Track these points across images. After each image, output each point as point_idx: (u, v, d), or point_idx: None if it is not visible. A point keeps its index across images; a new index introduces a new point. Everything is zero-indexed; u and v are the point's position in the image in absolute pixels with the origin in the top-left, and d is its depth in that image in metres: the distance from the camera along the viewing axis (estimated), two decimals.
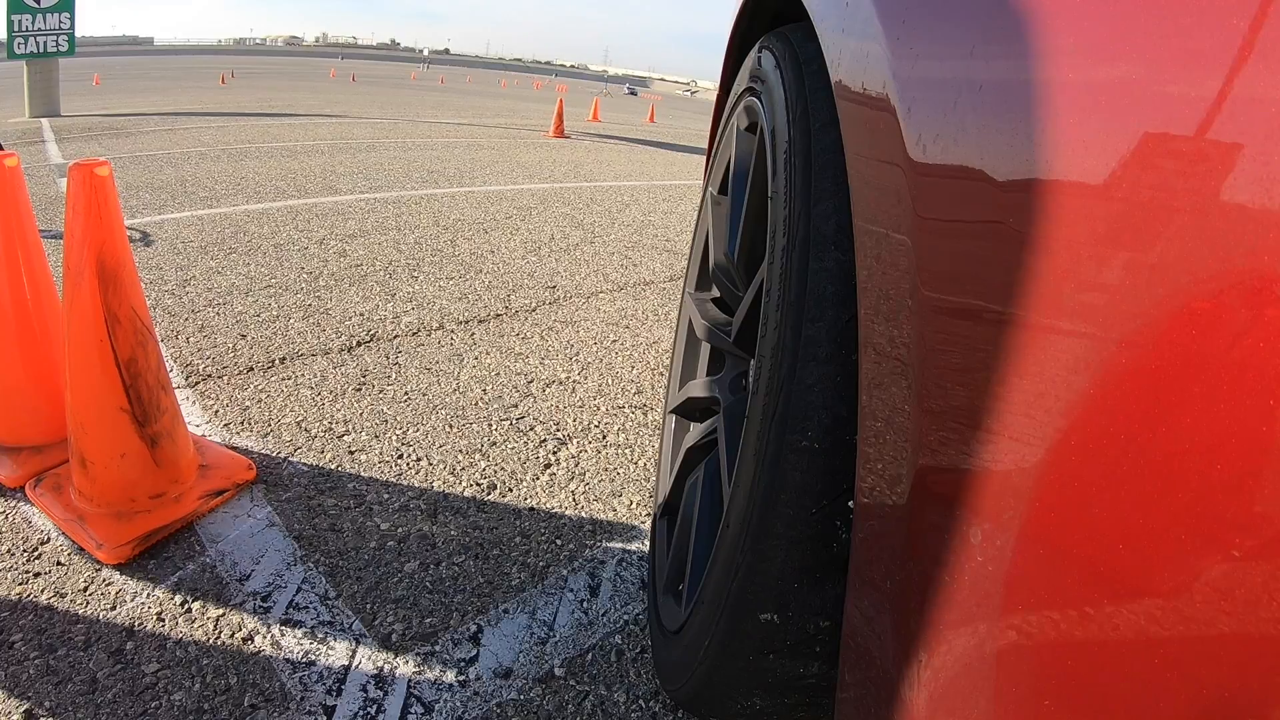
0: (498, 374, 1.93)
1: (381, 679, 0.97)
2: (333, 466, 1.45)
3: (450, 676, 0.99)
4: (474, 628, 1.08)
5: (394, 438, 1.58)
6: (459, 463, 1.50)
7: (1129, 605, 0.27)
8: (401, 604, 1.11)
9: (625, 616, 1.14)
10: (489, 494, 1.41)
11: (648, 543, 1.31)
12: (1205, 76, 0.27)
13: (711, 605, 0.71)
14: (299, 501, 1.33)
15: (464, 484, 1.43)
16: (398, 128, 8.54)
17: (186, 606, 1.07)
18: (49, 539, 1.19)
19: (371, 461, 1.48)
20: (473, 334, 2.20)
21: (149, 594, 1.09)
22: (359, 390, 1.78)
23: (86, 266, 1.09)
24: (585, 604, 1.15)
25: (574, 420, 1.73)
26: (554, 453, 1.58)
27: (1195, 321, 0.26)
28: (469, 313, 2.37)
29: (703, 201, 1.38)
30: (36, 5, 7.60)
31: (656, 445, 1.65)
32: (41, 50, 7.79)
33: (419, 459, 1.50)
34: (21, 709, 0.88)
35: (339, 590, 1.12)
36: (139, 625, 1.03)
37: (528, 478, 1.47)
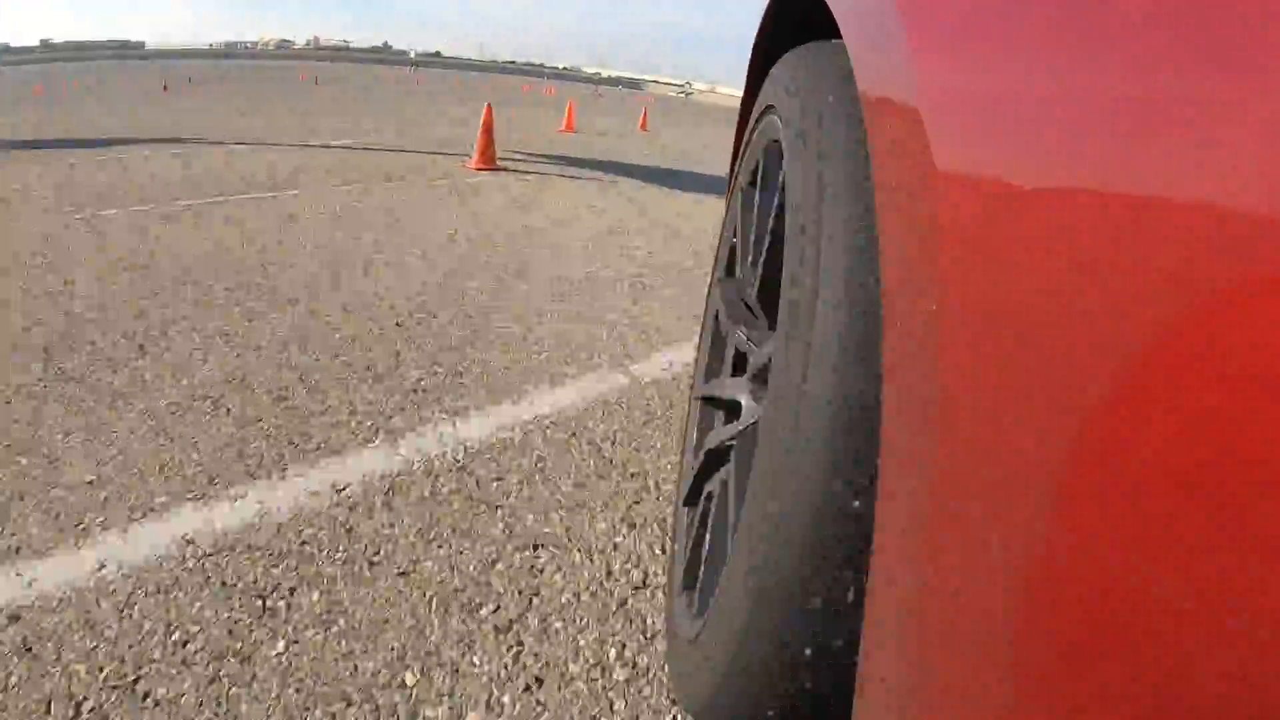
0: None
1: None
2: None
3: None
4: None
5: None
6: None
7: (1139, 608, 0.27)
8: None
9: None
10: None
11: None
12: (1219, 83, 0.28)
13: (728, 609, 0.71)
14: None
15: None
16: (265, 154, 6.08)
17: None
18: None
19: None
20: None
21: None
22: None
23: None
24: None
25: None
26: None
27: (1233, 323, 0.26)
28: None
29: (730, 190, 1.37)
30: None
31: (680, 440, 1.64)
32: None
33: None
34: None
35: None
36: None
37: None
